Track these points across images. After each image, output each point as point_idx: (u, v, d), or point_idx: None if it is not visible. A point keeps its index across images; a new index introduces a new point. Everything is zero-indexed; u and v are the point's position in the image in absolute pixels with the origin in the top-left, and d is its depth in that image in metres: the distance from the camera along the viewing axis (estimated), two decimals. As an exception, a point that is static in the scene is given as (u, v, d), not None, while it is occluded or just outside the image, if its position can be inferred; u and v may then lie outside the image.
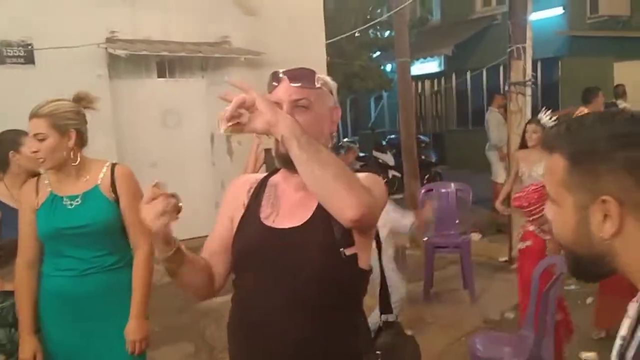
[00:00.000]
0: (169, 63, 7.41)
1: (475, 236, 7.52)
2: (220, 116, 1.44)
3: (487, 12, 14.81)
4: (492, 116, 9.32)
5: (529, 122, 4.95)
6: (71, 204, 2.48)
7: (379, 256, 1.77)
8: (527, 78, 6.03)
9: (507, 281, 5.88)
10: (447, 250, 5.60)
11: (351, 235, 1.56)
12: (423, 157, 12.03)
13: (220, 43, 7.65)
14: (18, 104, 5.87)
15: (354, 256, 1.57)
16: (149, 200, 1.44)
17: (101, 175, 2.51)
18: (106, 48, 6.61)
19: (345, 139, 16.20)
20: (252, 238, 1.63)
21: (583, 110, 6.68)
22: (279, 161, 1.63)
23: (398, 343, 1.72)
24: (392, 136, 14.21)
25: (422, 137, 13.55)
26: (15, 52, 6.05)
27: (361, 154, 13.05)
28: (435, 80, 16.92)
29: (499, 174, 9.14)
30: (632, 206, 0.91)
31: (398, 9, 7.52)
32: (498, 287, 5.70)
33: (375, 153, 12.29)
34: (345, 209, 1.41)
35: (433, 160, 12.22)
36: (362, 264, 1.59)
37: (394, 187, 11.74)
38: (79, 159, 2.49)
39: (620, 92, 8.71)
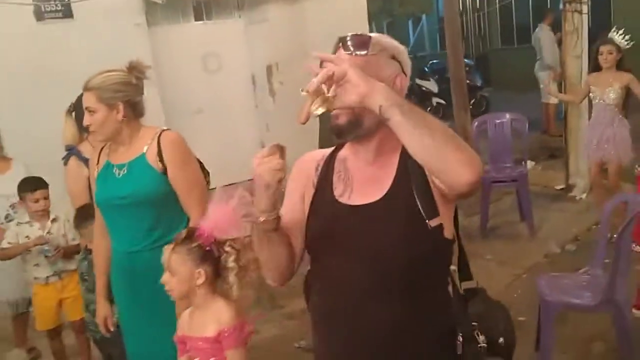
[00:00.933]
0: (205, 5, 7.23)
1: (529, 164, 7.33)
2: (306, 94, 1.33)
3: None
4: (545, 34, 8.87)
5: (604, 42, 4.74)
6: (119, 173, 2.44)
7: (455, 220, 1.69)
8: (583, -5, 5.66)
9: (565, 211, 5.77)
10: (504, 185, 5.47)
11: (435, 205, 1.49)
12: (468, 81, 11.65)
13: (255, -20, 7.40)
14: (60, 58, 5.96)
15: (440, 227, 1.49)
16: (266, 155, 1.40)
17: (148, 143, 2.42)
18: (142, -5, 6.47)
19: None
20: (329, 218, 1.56)
21: None
22: (334, 133, 1.52)
23: (489, 310, 1.66)
24: (435, 61, 13.81)
25: (466, 60, 13.10)
26: (53, 7, 5.98)
27: (403, 82, 12.78)
28: (477, -3, 16.20)
29: (551, 95, 8.81)
30: None
31: None
32: (556, 217, 5.58)
33: (417, 81, 12.00)
34: (463, 173, 1.31)
35: (479, 84, 11.88)
36: (448, 233, 1.52)
37: (438, 115, 11.50)
38: (132, 132, 2.43)
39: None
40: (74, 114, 3.14)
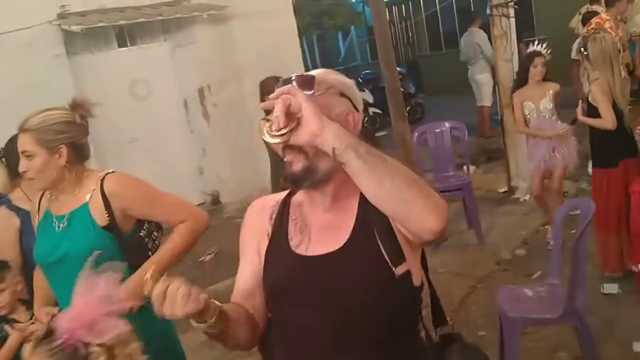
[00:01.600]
0: (128, 31, 6.96)
1: (470, 169, 7.36)
2: (262, 124, 1.22)
3: None
4: (479, 35, 8.96)
5: (537, 55, 4.67)
6: (59, 226, 2.16)
7: (423, 262, 1.55)
8: (509, -1, 5.71)
9: (510, 214, 5.78)
10: (449, 195, 5.42)
11: (400, 250, 1.36)
12: (401, 89, 11.74)
13: (180, 1, 7.17)
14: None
15: (407, 274, 1.37)
16: (161, 295, 1.21)
17: (92, 190, 2.13)
18: (59, 25, 6.14)
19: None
20: (286, 272, 1.42)
21: (603, 17, 6.39)
22: (289, 182, 1.39)
23: (468, 358, 1.53)
24: (367, 71, 13.86)
25: (398, 68, 13.21)
26: (-36, 44, 5.59)
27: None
28: (403, 6, 16.41)
29: (487, 97, 8.93)
30: None
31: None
32: (503, 222, 5.58)
33: (352, 92, 11.95)
34: (428, 220, 1.20)
35: (412, 91, 11.96)
36: (416, 280, 1.40)
37: (375, 124, 11.52)
38: (75, 176, 2.16)
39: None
40: (3, 159, 2.88)
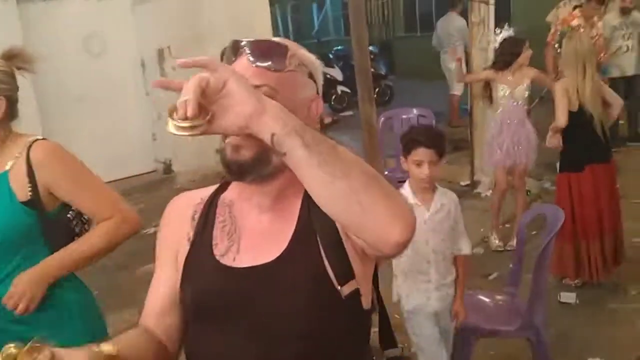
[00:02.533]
0: (86, -20, 6.49)
1: (433, 157, 7.19)
2: (170, 109, 0.92)
3: None
4: (459, 21, 8.71)
5: (522, 42, 4.55)
6: None
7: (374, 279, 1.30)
8: (490, -14, 5.48)
9: (471, 209, 5.58)
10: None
11: (349, 265, 1.12)
12: (372, 69, 11.48)
13: (144, -47, 6.73)
14: None
15: (355, 293, 1.13)
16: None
17: (13, 160, 1.81)
18: (8, -35, 5.67)
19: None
20: (207, 286, 1.15)
21: (574, 14, 6.23)
22: (230, 171, 1.11)
23: None
24: (339, 47, 13.54)
25: (370, 47, 12.93)
26: None
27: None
28: (381, -17, 16.09)
29: (458, 86, 8.76)
30: None
31: None
32: (465, 216, 5.32)
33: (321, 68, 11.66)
34: (391, 230, 0.94)
35: (383, 72, 11.72)
36: (365, 302, 1.16)
37: (343, 103, 11.27)
38: (4, 134, 1.83)
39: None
40: None
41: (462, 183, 6.22)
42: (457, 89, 8.90)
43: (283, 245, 1.13)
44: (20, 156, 1.80)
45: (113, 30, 6.70)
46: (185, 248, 1.20)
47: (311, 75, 1.15)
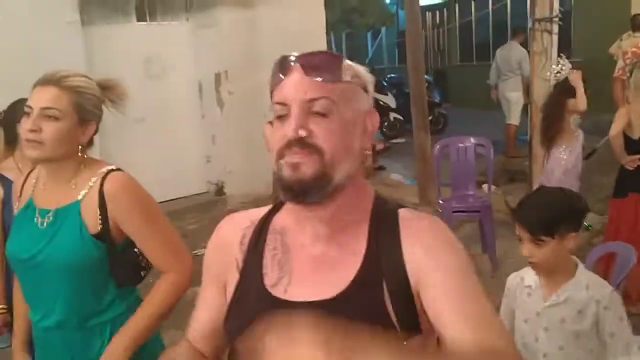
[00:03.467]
0: (149, 4, 6.64)
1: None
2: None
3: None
4: (520, 51, 8.50)
5: None
6: (42, 222, 1.77)
7: None
8: (554, 13, 5.34)
9: (527, 243, 5.39)
10: (466, 215, 5.08)
11: (416, 316, 1.02)
12: (426, 97, 11.41)
13: (205, -20, 6.87)
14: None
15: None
16: None
17: (86, 189, 1.75)
18: (76, -10, 5.86)
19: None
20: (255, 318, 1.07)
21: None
22: (289, 191, 1.04)
23: None
24: (393, 75, 13.51)
25: (425, 76, 12.87)
26: (-26, -2, 5.31)
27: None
28: (437, 12, 16.02)
29: (516, 116, 8.54)
30: None
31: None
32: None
33: (375, 95, 11.61)
34: None
35: (437, 100, 11.59)
36: None
37: (395, 131, 11.18)
38: (77, 162, 1.79)
39: (638, 22, 7.97)
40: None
41: (518, 216, 6.02)
42: (514, 119, 8.71)
43: (343, 283, 1.04)
44: (94, 185, 1.75)
45: (173, 54, 6.83)
46: (234, 276, 1.14)
47: (365, 89, 1.09)
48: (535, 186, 5.77)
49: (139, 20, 6.66)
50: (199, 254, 5.42)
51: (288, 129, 1.01)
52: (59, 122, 1.71)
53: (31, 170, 1.93)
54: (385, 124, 11.27)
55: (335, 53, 1.07)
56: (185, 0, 6.83)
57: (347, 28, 14.01)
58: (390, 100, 11.40)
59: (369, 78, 1.10)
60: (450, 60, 15.78)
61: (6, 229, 2.40)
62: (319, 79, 1.01)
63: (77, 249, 1.72)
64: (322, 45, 7.82)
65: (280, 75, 1.04)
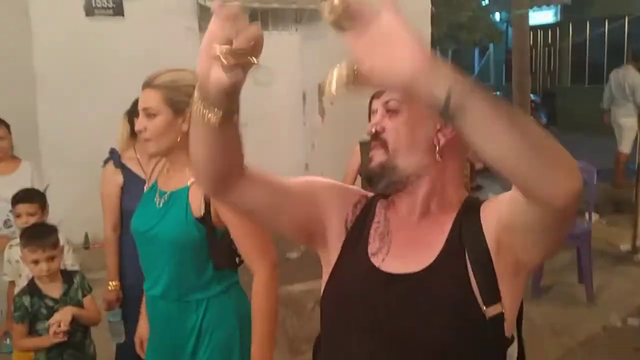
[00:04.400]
0: (261, 15, 6.95)
1: (593, 216, 6.72)
2: (331, 77, 0.91)
3: (614, -45, 13.20)
4: (637, 77, 8.11)
5: None
6: (159, 202, 2.00)
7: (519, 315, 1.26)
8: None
9: (629, 276, 5.16)
10: (564, 242, 4.92)
11: (496, 287, 1.11)
12: (532, 118, 11.12)
13: (316, -7, 7.10)
14: (107, 56, 5.76)
15: (499, 318, 1.11)
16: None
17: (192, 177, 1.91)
18: (196, -1, 6.24)
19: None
20: (356, 282, 1.21)
21: None
22: (365, 180, 1.24)
23: None
24: (498, 93, 13.24)
25: (531, 95, 12.52)
26: (105, 4, 5.80)
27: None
28: (550, 32, 15.51)
29: (627, 143, 8.11)
30: None
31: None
32: (619, 283, 4.99)
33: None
34: (560, 187, 0.89)
35: (543, 122, 11.27)
36: (508, 329, 1.14)
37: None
38: (187, 150, 1.99)
39: None
40: (127, 117, 2.89)
41: (623, 247, 5.76)
42: (626, 147, 8.29)
43: (431, 257, 1.15)
44: None
45: (281, 62, 7.09)
46: (341, 230, 1.27)
47: None
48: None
49: (252, 29, 7.00)
50: (291, 257, 5.62)
51: (369, 126, 1.21)
52: (156, 119, 1.90)
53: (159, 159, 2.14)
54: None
55: None
56: (295, 12, 7.08)
57: (454, 44, 13.86)
58: (493, 118, 11.23)
59: None
60: (560, 81, 15.22)
61: (125, 213, 2.69)
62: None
63: (181, 228, 1.91)
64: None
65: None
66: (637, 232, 5.63)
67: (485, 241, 1.13)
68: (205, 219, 1.91)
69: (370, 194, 1.32)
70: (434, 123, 1.17)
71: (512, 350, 1.21)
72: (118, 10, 5.84)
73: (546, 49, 15.66)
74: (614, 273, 5.20)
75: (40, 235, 2.61)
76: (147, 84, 1.94)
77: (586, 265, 4.71)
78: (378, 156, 1.20)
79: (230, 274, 2.03)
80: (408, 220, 1.22)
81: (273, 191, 1.24)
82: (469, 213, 1.18)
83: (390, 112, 1.20)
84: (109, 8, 5.80)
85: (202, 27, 6.48)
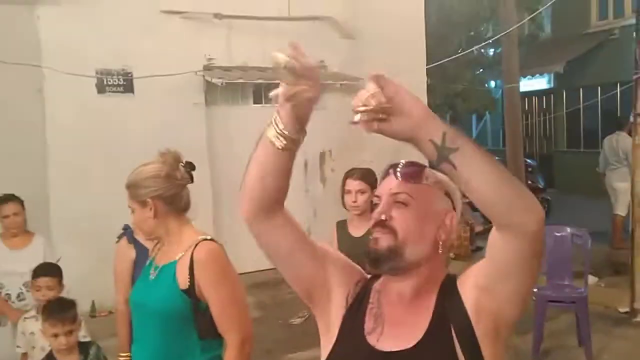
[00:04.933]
0: (265, 89, 7.29)
1: (591, 279, 6.79)
2: (356, 103, 1.18)
3: (603, 26, 13.75)
4: (629, 141, 8.36)
5: None
6: (152, 275, 2.21)
7: None
8: (656, 109, 5.35)
9: (628, 339, 5.21)
10: (560, 306, 5.03)
11: (479, 352, 1.27)
12: (530, 182, 11.28)
13: (317, 68, 7.45)
14: (118, 131, 6.04)
15: None
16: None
17: (183, 252, 2.14)
18: (203, 76, 6.58)
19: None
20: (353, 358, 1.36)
21: None
22: (370, 260, 1.36)
23: None
24: (497, 158, 13.48)
25: (528, 160, 12.76)
26: (116, 81, 6.13)
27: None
28: (544, 98, 15.96)
29: (623, 206, 8.28)
30: None
31: (507, 31, 6.97)
32: (618, 346, 5.04)
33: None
34: (530, 214, 1.14)
35: (540, 186, 11.43)
36: None
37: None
38: (170, 228, 2.20)
39: None
40: None
41: (621, 310, 5.83)
42: (621, 210, 8.44)
43: (420, 333, 1.31)
44: (189, 250, 2.13)
45: (283, 133, 7.37)
46: (341, 304, 1.42)
47: (447, 194, 1.38)
48: (637, 277, 5.61)
49: (255, 102, 7.32)
50: (294, 322, 5.69)
51: (376, 213, 1.35)
52: (134, 213, 2.21)
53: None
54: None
55: (420, 164, 1.37)
56: (297, 86, 7.40)
57: (450, 111, 14.27)
58: (491, 183, 11.40)
59: (452, 187, 1.38)
60: (556, 145, 15.54)
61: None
62: (405, 179, 1.34)
63: (168, 299, 2.10)
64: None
65: (382, 178, 1.42)
66: (634, 294, 5.70)
67: (466, 311, 1.28)
68: (190, 291, 2.10)
69: (368, 276, 1.46)
70: (437, 221, 1.36)
71: None
72: (128, 88, 6.16)
73: (542, 114, 16.07)
74: (613, 336, 5.26)
75: (60, 310, 2.74)
76: (126, 186, 2.23)
77: (584, 328, 4.79)
78: (385, 240, 1.33)
79: (216, 346, 2.19)
80: (399, 303, 1.37)
81: (298, 238, 1.42)
82: (448, 288, 1.35)
83: (399, 203, 1.35)
84: (119, 85, 6.12)
85: (208, 102, 6.81)
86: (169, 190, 2.18)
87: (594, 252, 8.22)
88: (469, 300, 1.30)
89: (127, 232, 3.03)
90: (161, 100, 6.23)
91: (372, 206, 1.42)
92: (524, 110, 16.29)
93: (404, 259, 1.33)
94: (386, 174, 1.41)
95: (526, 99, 16.20)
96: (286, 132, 1.29)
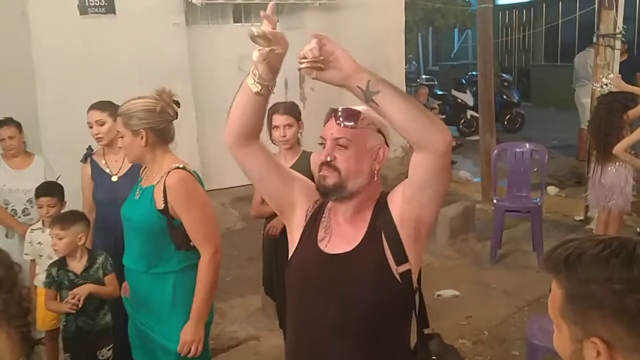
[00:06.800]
0: (244, 8, 7.39)
1: (552, 190, 7.29)
2: (300, 55, 1.51)
3: (585, -64, 13.59)
4: None
5: None
6: (137, 195, 2.62)
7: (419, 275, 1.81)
8: (617, 30, 5.62)
9: (579, 244, 5.70)
10: (517, 215, 5.51)
11: (404, 251, 1.65)
12: (504, 97, 11.62)
13: (296, -13, 7.52)
14: (102, 52, 6.18)
15: (407, 273, 1.66)
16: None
17: (159, 178, 2.52)
18: (183, -4, 6.65)
19: (423, 76, 15.76)
20: (308, 261, 1.75)
21: None
22: (320, 193, 1.73)
23: (442, 354, 1.81)
24: (474, 72, 13.71)
25: (505, 75, 13.02)
26: (97, 2, 6.19)
27: (440, 92, 12.73)
28: (524, 11, 15.97)
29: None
30: (623, 350, 0.92)
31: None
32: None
33: (454, 92, 11.96)
34: (438, 136, 1.48)
35: (515, 100, 11.77)
36: (414, 281, 1.68)
37: (472, 128, 11.44)
38: (156, 156, 2.56)
39: None
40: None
41: (576, 218, 6.35)
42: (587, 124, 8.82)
43: (358, 240, 1.70)
44: (163, 177, 2.51)
45: (263, 52, 7.53)
46: (302, 217, 1.81)
47: (379, 131, 1.72)
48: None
49: (235, 21, 7.43)
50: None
51: (322, 156, 1.69)
52: (124, 139, 2.55)
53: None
54: (462, 121, 11.57)
55: (355, 109, 1.67)
56: (276, 6, 7.47)
57: (430, 27, 14.30)
58: (468, 98, 11.69)
59: (383, 124, 1.70)
60: (534, 59, 15.74)
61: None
62: (343, 124, 1.65)
63: (147, 216, 2.52)
64: (400, 44, 8.34)
65: (326, 121, 1.73)
66: (589, 204, 6.17)
67: (393, 220, 1.67)
68: (165, 211, 2.49)
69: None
70: (372, 155, 1.70)
71: (416, 297, 1.76)
72: (110, 8, 6.25)
73: (521, 29, 16.13)
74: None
75: (74, 220, 3.09)
76: (117, 114, 2.58)
77: (537, 235, 5.29)
78: (331, 178, 1.67)
79: (190, 255, 2.58)
80: (343, 218, 1.74)
81: (270, 164, 1.77)
82: (381, 204, 1.74)
83: (340, 146, 1.67)
84: (101, 6, 6.20)
85: (189, 22, 6.92)
86: (160, 124, 2.53)
87: (560, 163, 8.75)
88: (395, 210, 1.68)
89: (88, 152, 3.42)
90: (143, 21, 6.32)
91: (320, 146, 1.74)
92: (504, 24, 16.36)
93: (347, 190, 1.68)
94: (329, 117, 1.71)
95: (507, 12, 16.22)
96: (261, 80, 1.62)
